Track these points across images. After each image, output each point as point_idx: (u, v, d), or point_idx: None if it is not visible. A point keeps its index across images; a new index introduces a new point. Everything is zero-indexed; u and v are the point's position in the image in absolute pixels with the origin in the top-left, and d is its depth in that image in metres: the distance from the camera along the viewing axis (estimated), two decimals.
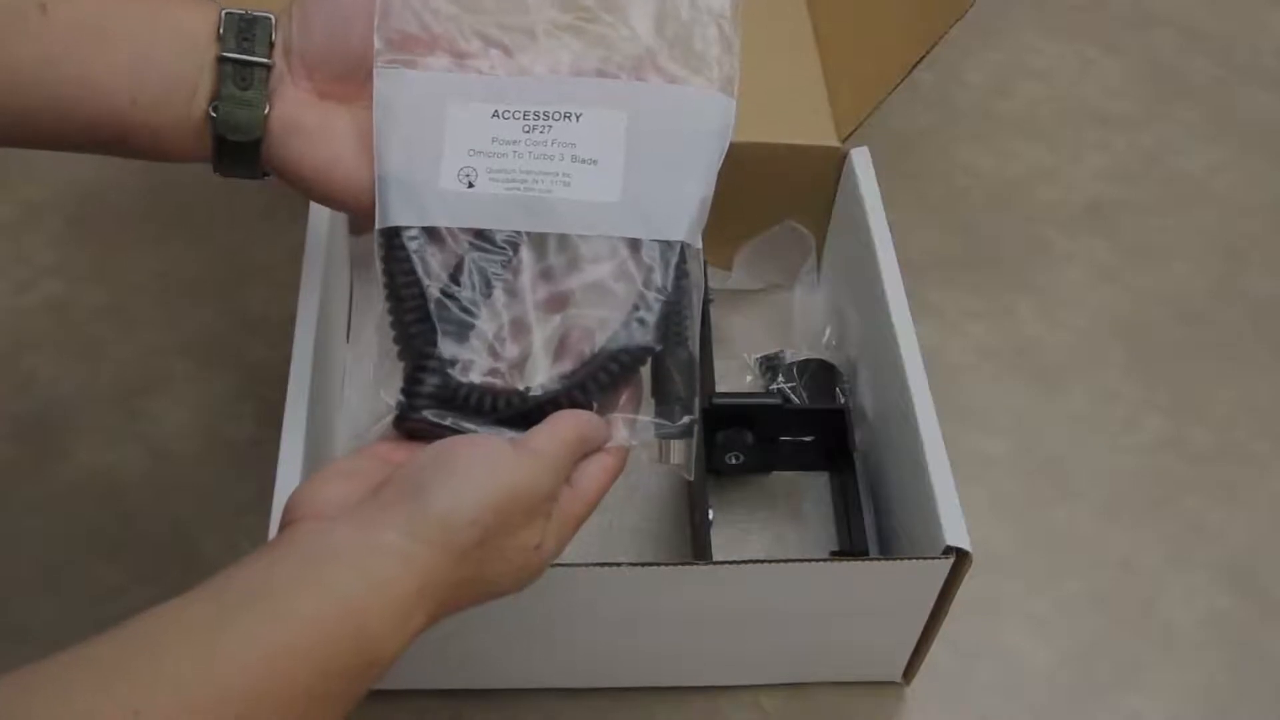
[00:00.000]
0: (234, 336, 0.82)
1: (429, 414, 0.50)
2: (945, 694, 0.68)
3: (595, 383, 0.51)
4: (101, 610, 0.69)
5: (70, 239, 0.86)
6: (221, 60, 0.52)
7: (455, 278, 0.51)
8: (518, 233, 0.52)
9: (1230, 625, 0.72)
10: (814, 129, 0.78)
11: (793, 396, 0.75)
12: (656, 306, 0.51)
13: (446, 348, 0.51)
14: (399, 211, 0.52)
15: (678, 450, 0.53)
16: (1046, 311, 0.87)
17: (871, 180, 0.75)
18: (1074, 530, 0.76)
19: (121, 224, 0.87)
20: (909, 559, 0.61)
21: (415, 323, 0.51)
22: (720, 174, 0.82)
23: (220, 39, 0.52)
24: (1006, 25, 1.06)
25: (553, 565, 0.60)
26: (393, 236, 0.52)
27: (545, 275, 0.52)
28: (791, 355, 0.79)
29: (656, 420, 0.52)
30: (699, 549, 0.67)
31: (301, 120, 0.53)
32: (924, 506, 0.61)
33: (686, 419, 0.52)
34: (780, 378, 0.77)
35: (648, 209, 0.52)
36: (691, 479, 0.54)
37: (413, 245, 0.51)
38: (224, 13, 0.52)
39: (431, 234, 0.52)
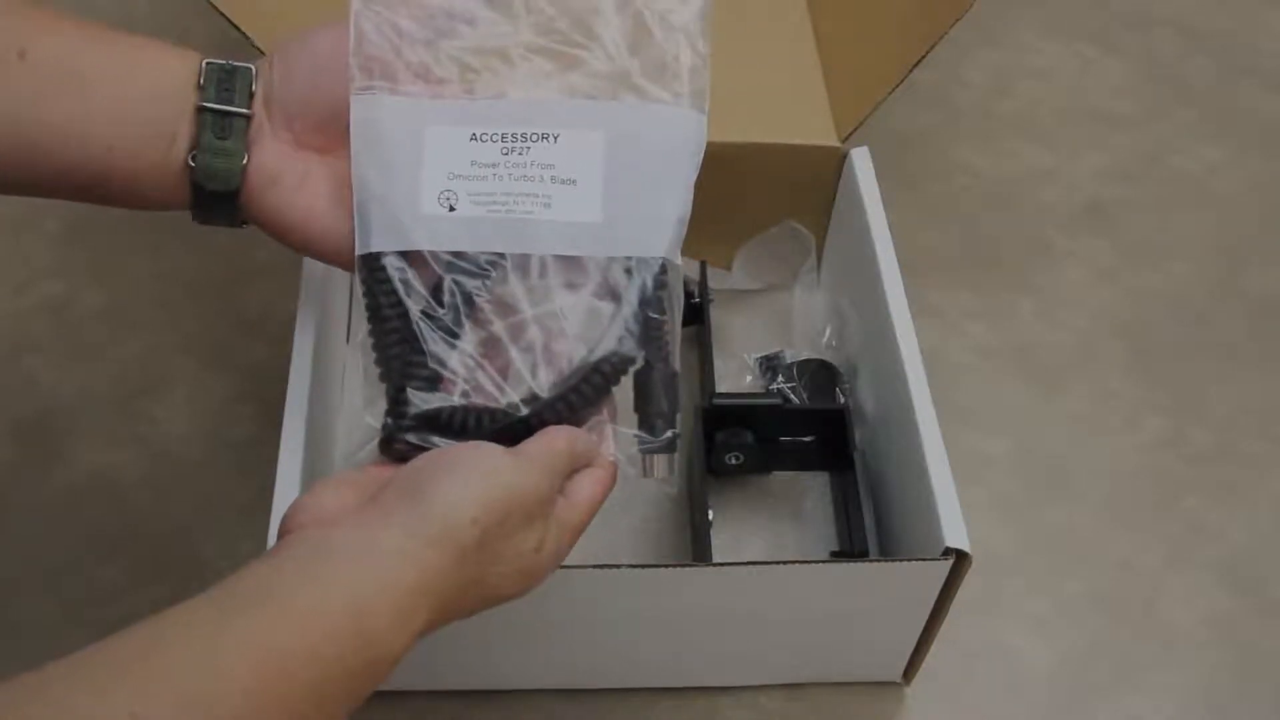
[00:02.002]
0: (234, 337, 0.82)
1: (413, 436, 0.51)
2: (945, 694, 0.68)
3: (579, 395, 0.51)
4: (101, 611, 0.69)
5: (69, 240, 0.86)
6: (201, 110, 0.52)
7: (437, 299, 0.52)
8: (500, 253, 0.52)
9: (1230, 625, 0.72)
10: (814, 129, 0.78)
11: (793, 396, 0.75)
12: (639, 322, 0.52)
13: (429, 369, 0.51)
14: (380, 236, 0.52)
15: (660, 464, 0.53)
16: (1046, 311, 0.87)
17: (871, 180, 0.75)
18: (1074, 530, 0.76)
19: (121, 225, 0.87)
20: (909, 559, 0.61)
21: (397, 344, 0.51)
22: (720, 174, 0.82)
23: (200, 88, 0.52)
24: (1006, 25, 1.06)
25: None
26: (374, 260, 0.52)
27: (527, 294, 0.52)
28: (791, 355, 0.79)
29: (639, 434, 0.53)
30: (699, 550, 0.67)
31: (280, 171, 0.53)
32: (924, 506, 0.61)
33: (669, 433, 0.53)
34: (780, 378, 0.77)
35: (628, 227, 0.53)
36: (675, 492, 0.55)
37: (394, 269, 0.52)
38: (205, 63, 0.52)
39: (413, 257, 0.52)
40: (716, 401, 0.72)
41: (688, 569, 0.64)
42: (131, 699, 0.38)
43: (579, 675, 0.66)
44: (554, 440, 0.50)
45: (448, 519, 0.45)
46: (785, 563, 0.62)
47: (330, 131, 0.53)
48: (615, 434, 0.52)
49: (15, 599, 0.69)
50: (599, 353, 0.52)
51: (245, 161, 0.52)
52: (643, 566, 0.64)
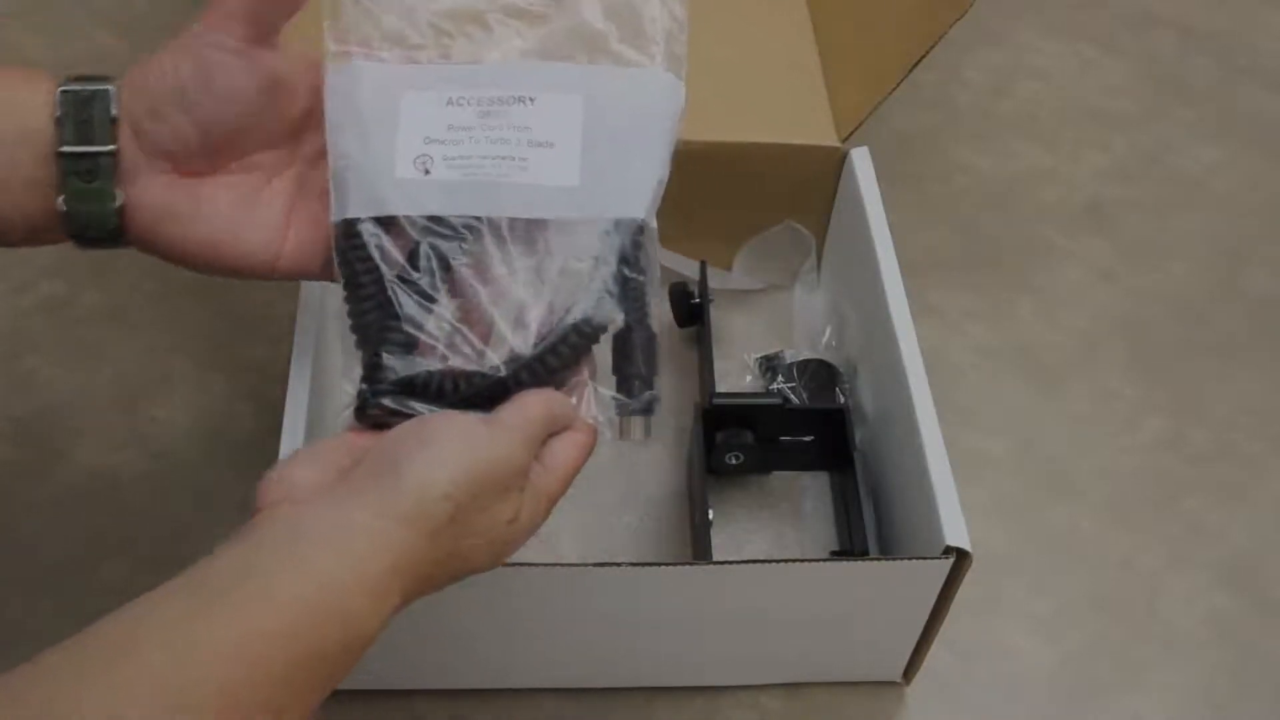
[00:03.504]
0: (234, 336, 0.82)
1: (389, 401, 0.50)
2: (945, 694, 0.68)
3: (557, 356, 0.51)
4: (101, 610, 0.68)
5: None
6: (60, 154, 0.48)
7: (413, 264, 0.51)
8: (476, 217, 0.52)
9: (1230, 625, 0.72)
10: (814, 129, 0.78)
11: (793, 396, 0.75)
12: (617, 283, 0.52)
13: (405, 334, 0.51)
14: (356, 203, 0.52)
15: (637, 427, 0.53)
16: (1046, 311, 0.87)
17: (871, 180, 0.75)
18: (1074, 530, 0.75)
19: None
20: (909, 559, 0.61)
21: (373, 310, 0.51)
22: (720, 174, 0.82)
23: (58, 123, 0.48)
24: (1006, 25, 1.06)
25: (553, 565, 0.60)
26: (350, 228, 0.52)
27: (504, 257, 0.52)
28: (791, 355, 0.79)
29: (617, 396, 0.52)
30: (699, 549, 0.67)
31: (168, 205, 0.50)
32: (924, 506, 0.61)
33: (647, 395, 0.53)
34: (780, 378, 0.77)
35: (605, 190, 0.52)
36: (644, 439, 0.54)
37: (370, 235, 0.51)
38: (60, 91, 0.49)
39: (388, 223, 0.52)
40: (716, 401, 0.72)
41: (688, 568, 0.64)
42: (111, 698, 0.37)
43: (579, 675, 0.66)
44: (530, 407, 0.49)
45: (421, 495, 0.45)
46: (785, 561, 0.62)
47: (218, 152, 0.51)
48: (595, 395, 0.52)
49: (15, 599, 0.69)
50: (577, 314, 0.51)
51: (119, 203, 0.49)
52: (643, 565, 0.64)
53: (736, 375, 0.80)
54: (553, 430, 0.50)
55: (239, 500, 0.72)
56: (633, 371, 0.53)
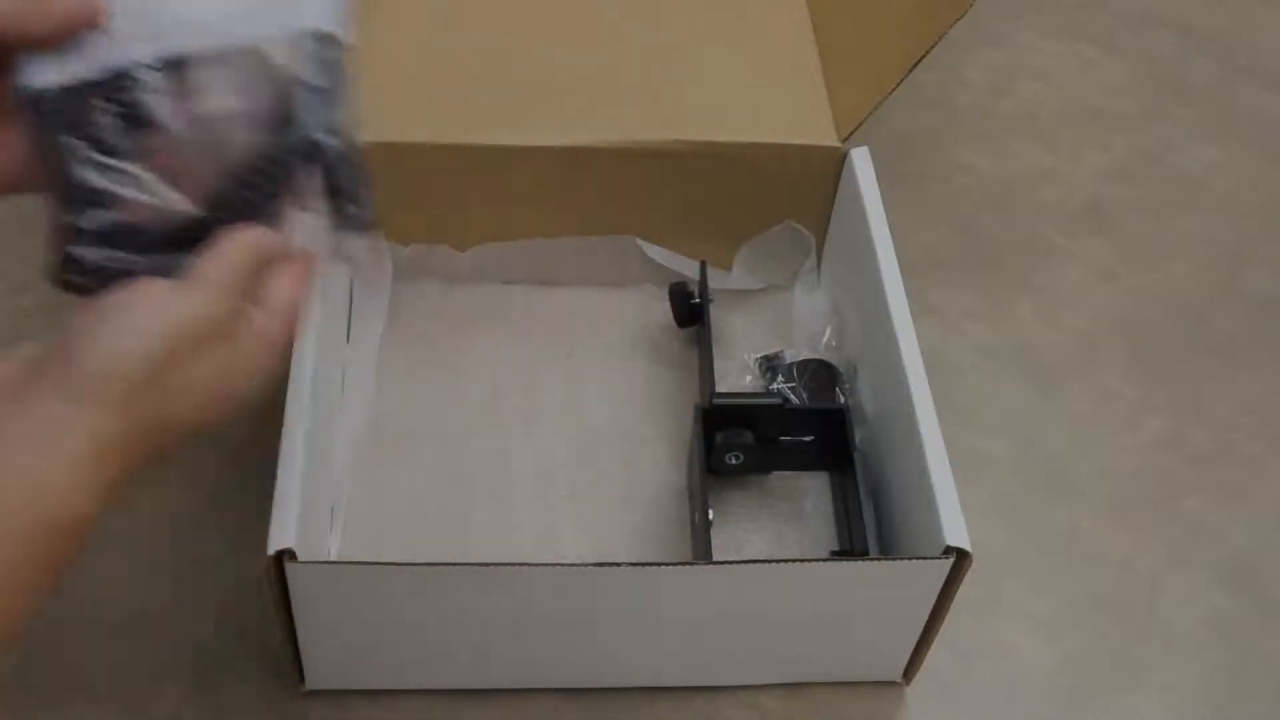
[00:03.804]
0: None
1: (86, 253, 0.50)
2: (945, 694, 0.68)
3: (249, 187, 0.50)
4: (100, 612, 0.68)
5: None
6: None
7: (96, 121, 0.50)
8: (153, 60, 0.51)
9: (1230, 625, 0.72)
10: (814, 129, 0.78)
11: (792, 396, 0.75)
12: (305, 102, 0.51)
13: (95, 192, 0.50)
14: (34, 73, 0.51)
15: (356, 245, 0.52)
16: (1046, 311, 0.87)
17: (871, 180, 0.75)
18: (1074, 530, 0.76)
19: None
20: (909, 559, 0.61)
21: (63, 176, 0.50)
22: (720, 174, 0.82)
23: None
24: (1006, 25, 1.06)
25: (553, 565, 0.60)
26: (31, 96, 0.51)
27: (188, 95, 0.51)
28: (791, 355, 0.79)
29: (324, 217, 0.51)
30: (699, 549, 0.67)
31: None
32: (924, 506, 0.61)
33: (355, 211, 0.52)
34: (780, 378, 0.77)
35: (276, 6, 0.51)
36: (365, 280, 0.53)
37: (51, 99, 0.50)
38: None
39: (69, 85, 0.50)
40: (716, 401, 0.72)
41: (688, 568, 0.64)
42: None
43: (579, 675, 0.66)
44: (225, 252, 0.48)
45: (105, 369, 0.44)
46: (785, 561, 0.62)
47: None
48: (302, 222, 0.51)
49: None
50: (269, 140, 0.50)
51: None
52: (643, 565, 0.64)
53: (736, 375, 0.80)
54: (263, 265, 0.49)
55: (239, 500, 0.72)
56: (336, 188, 0.51)
